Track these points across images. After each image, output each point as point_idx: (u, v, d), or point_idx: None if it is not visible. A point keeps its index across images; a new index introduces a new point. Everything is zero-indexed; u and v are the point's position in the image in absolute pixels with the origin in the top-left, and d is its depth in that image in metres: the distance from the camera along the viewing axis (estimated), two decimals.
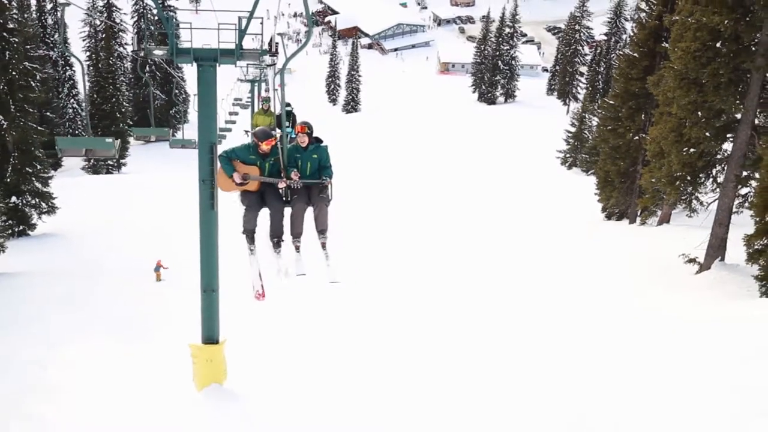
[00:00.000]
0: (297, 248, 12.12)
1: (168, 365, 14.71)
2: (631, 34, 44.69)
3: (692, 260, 23.12)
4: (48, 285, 24.25)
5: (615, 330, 17.10)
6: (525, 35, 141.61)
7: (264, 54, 12.21)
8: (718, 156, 23.23)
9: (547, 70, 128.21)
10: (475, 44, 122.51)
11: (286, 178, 11.46)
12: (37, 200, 35.62)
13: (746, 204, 22.79)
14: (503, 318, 19.21)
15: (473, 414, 12.05)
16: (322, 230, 11.89)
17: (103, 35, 71.90)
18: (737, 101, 21.58)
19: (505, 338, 16.73)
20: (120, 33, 79.71)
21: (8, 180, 33.70)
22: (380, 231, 35.78)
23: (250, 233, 11.92)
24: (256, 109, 31.44)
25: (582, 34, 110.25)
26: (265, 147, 11.35)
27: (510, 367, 14.29)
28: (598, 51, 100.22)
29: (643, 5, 38.33)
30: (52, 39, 77.40)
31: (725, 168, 23.02)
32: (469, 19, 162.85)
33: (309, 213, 11.89)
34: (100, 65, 71.32)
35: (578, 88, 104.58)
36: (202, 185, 11.57)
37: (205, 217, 11.92)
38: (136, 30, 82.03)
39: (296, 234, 11.97)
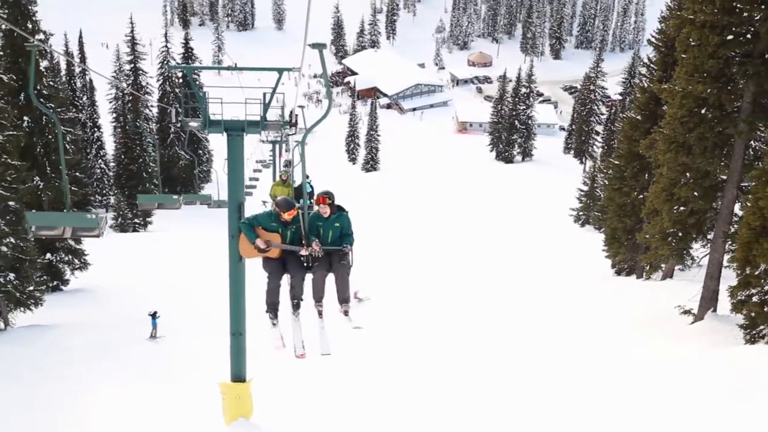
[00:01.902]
0: (320, 313, 12.17)
1: (198, 403, 16.16)
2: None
3: (687, 311, 24.32)
4: (83, 336, 25.86)
5: (611, 370, 18.40)
6: (541, 94, 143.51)
7: (286, 125, 13.90)
8: (708, 214, 24.54)
9: (564, 129, 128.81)
10: (492, 104, 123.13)
11: (307, 246, 11.65)
12: (70, 257, 37.39)
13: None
14: (508, 365, 20.50)
15: None
16: (344, 299, 11.89)
17: (130, 98, 74.31)
18: (723, 163, 22.91)
19: (512, 385, 17.94)
20: (146, 95, 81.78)
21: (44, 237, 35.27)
22: (398, 286, 37.37)
23: (272, 307, 12.10)
24: (278, 167, 33.26)
25: (597, 94, 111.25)
26: (287, 217, 11.62)
27: (518, 412, 15.53)
28: (613, 110, 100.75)
29: (644, 70, 39.75)
30: (80, 101, 79.92)
31: (714, 225, 24.35)
32: (486, 79, 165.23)
33: (330, 279, 11.94)
34: (127, 127, 73.73)
35: (594, 146, 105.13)
36: (231, 240, 13.02)
37: (234, 268, 13.48)
38: (161, 93, 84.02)
39: (318, 298, 12.07)
